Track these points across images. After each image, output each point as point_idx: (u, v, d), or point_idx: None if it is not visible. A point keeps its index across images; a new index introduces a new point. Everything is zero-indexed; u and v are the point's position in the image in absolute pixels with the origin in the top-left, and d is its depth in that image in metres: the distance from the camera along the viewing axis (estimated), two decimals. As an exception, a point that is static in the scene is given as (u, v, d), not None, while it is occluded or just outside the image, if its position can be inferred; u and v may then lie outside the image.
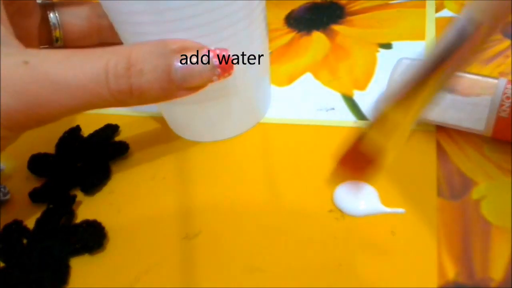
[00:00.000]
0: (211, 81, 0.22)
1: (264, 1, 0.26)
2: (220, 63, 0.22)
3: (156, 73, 0.21)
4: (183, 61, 0.21)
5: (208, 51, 0.22)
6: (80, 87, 0.20)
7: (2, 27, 0.21)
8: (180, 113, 0.29)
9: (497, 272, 0.20)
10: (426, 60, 0.19)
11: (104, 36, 0.29)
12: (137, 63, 0.20)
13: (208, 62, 0.22)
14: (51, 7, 0.27)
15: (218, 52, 0.22)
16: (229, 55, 0.22)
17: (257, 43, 0.26)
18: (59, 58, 0.20)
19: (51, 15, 0.27)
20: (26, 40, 0.25)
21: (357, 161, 0.24)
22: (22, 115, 0.20)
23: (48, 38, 0.28)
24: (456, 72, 0.19)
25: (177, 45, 0.21)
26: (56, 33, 0.28)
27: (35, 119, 0.20)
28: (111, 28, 0.25)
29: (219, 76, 0.22)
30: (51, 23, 0.27)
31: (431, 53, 0.18)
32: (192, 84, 0.22)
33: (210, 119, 0.28)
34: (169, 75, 0.21)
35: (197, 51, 0.22)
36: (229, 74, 0.22)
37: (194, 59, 0.21)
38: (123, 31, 0.25)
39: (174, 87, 0.21)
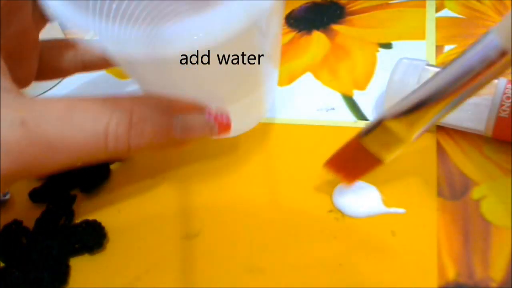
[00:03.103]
0: (207, 138, 0.22)
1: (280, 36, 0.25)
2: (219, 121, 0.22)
3: (157, 132, 0.20)
4: (184, 121, 0.21)
5: (210, 112, 0.22)
6: (78, 148, 0.19)
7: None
8: None
9: (497, 272, 0.20)
10: (441, 78, 0.18)
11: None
12: (138, 122, 0.20)
13: (208, 123, 0.22)
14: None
15: (219, 116, 0.22)
16: (229, 117, 0.22)
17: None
18: (58, 115, 0.19)
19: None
20: (20, 34, 0.24)
21: (345, 164, 0.24)
22: (16, 174, 0.19)
23: (44, 18, 0.27)
24: (471, 95, 0.18)
25: (180, 103, 0.21)
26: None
27: (29, 175, 0.20)
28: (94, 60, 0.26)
29: (216, 135, 0.22)
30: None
31: (447, 71, 0.18)
32: (189, 140, 0.22)
33: None
34: (169, 133, 0.21)
35: (199, 111, 0.22)
36: (226, 134, 0.22)
37: (194, 120, 0.21)
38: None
39: (171, 143, 0.21)
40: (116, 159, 0.20)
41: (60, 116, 0.19)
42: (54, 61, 0.28)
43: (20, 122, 0.18)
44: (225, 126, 0.22)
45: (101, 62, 0.29)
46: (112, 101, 0.20)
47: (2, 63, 0.20)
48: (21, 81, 0.25)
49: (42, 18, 0.27)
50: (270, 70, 0.26)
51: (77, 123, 0.19)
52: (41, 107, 0.19)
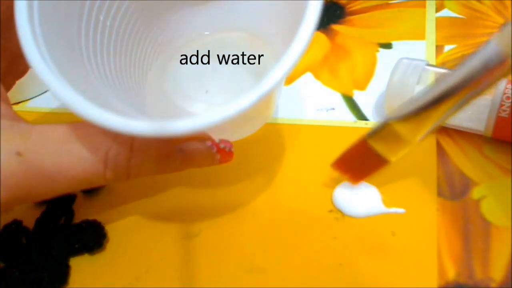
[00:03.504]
0: (208, 166, 0.22)
1: None
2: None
3: (157, 162, 0.20)
4: (185, 150, 0.21)
5: (212, 142, 0.21)
6: (75, 177, 0.19)
7: None
8: None
9: (497, 272, 0.20)
10: (445, 82, 0.19)
11: None
12: (138, 152, 0.20)
13: (210, 154, 0.21)
14: None
15: (222, 146, 0.21)
16: (231, 149, 0.22)
17: None
18: (56, 145, 0.19)
19: None
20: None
21: (352, 165, 0.24)
22: (12, 202, 0.19)
23: None
24: (473, 98, 0.19)
25: None
26: None
27: (26, 202, 0.20)
28: None
29: (218, 164, 0.22)
30: None
31: (451, 76, 0.19)
32: (190, 168, 0.21)
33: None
34: (169, 161, 0.21)
35: (201, 141, 0.21)
36: (227, 163, 0.22)
37: (196, 150, 0.21)
38: None
39: (171, 170, 0.21)
40: (114, 183, 0.20)
41: (57, 145, 0.19)
42: None
43: (16, 152, 0.18)
44: (228, 156, 0.22)
45: None
46: (112, 134, 0.20)
47: (2, 88, 0.20)
48: (19, 75, 0.25)
49: None
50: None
51: (75, 153, 0.19)
52: (37, 137, 0.19)
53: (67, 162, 0.19)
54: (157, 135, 0.17)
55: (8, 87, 0.26)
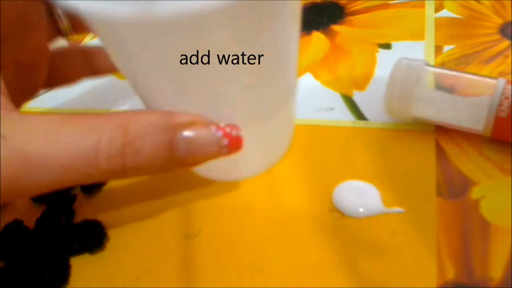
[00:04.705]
0: (216, 158, 0.20)
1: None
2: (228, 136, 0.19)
3: (157, 151, 0.18)
4: (189, 137, 0.18)
5: (218, 127, 0.19)
6: (64, 166, 0.17)
7: None
8: None
9: (497, 272, 0.20)
10: None
11: None
12: (134, 139, 0.18)
13: (216, 140, 0.19)
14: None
15: (228, 130, 0.19)
16: (239, 134, 0.20)
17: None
18: (45, 130, 0.17)
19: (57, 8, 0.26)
20: (34, 49, 0.24)
21: None
22: (2, 194, 0.18)
23: (56, 30, 0.27)
24: None
25: (183, 119, 0.19)
26: (64, 26, 0.27)
27: (11, 195, 0.18)
28: None
29: (226, 154, 0.20)
30: (56, 15, 0.26)
31: None
32: (195, 161, 0.19)
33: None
34: (171, 152, 0.18)
35: (205, 126, 0.19)
36: (237, 152, 0.20)
37: (200, 136, 0.19)
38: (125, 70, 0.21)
39: (174, 163, 0.19)
40: (113, 179, 0.18)
41: (45, 131, 0.17)
42: (64, 68, 0.28)
43: (2, 137, 0.17)
44: (236, 142, 0.20)
45: (109, 67, 0.29)
46: (105, 116, 0.18)
47: (2, 82, 0.20)
48: (29, 91, 0.25)
49: (54, 31, 0.27)
50: (293, 73, 0.23)
51: (63, 139, 0.17)
52: (28, 123, 0.18)
53: (54, 149, 0.17)
54: (141, 17, 0.15)
55: (39, 79, 0.26)
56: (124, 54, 0.19)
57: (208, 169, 0.26)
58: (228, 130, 0.19)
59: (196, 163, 0.20)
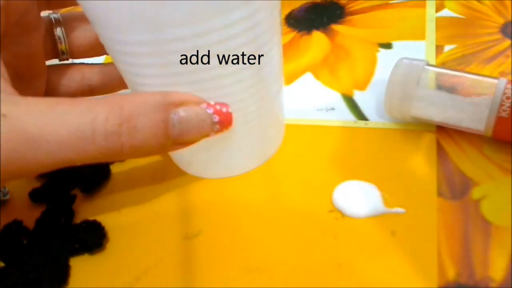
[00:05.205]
0: (208, 135, 0.21)
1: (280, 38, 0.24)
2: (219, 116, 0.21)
3: (152, 128, 0.19)
4: (182, 115, 0.20)
5: (208, 105, 0.21)
6: (61, 144, 0.18)
7: None
8: None
9: (497, 272, 0.20)
10: None
11: None
12: (130, 118, 0.19)
13: (208, 117, 0.20)
14: (57, 21, 0.27)
15: (218, 107, 0.21)
16: (229, 111, 0.21)
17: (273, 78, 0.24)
18: (42, 109, 0.18)
19: (57, 29, 0.26)
20: (31, 55, 0.25)
21: None
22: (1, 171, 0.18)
23: (54, 52, 0.27)
24: None
25: (176, 98, 0.20)
26: (62, 47, 0.27)
27: (10, 174, 0.19)
28: None
29: (217, 131, 0.21)
30: (56, 37, 0.27)
31: None
32: (189, 139, 0.20)
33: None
34: (166, 130, 0.19)
35: (197, 105, 0.20)
36: (228, 129, 0.21)
37: (193, 113, 0.20)
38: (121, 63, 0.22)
39: (170, 142, 0.20)
40: (110, 159, 0.19)
41: (43, 110, 0.18)
42: (61, 85, 0.28)
43: (2, 115, 0.18)
44: (227, 118, 0.21)
45: (107, 86, 0.29)
46: (100, 99, 0.19)
47: (2, 66, 0.20)
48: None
49: (52, 53, 0.27)
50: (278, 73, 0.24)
51: (60, 117, 0.18)
52: (27, 103, 0.18)
53: (51, 125, 0.18)
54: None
55: (37, 90, 0.26)
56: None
57: (204, 167, 0.27)
58: (218, 107, 0.21)
59: (190, 142, 0.21)
